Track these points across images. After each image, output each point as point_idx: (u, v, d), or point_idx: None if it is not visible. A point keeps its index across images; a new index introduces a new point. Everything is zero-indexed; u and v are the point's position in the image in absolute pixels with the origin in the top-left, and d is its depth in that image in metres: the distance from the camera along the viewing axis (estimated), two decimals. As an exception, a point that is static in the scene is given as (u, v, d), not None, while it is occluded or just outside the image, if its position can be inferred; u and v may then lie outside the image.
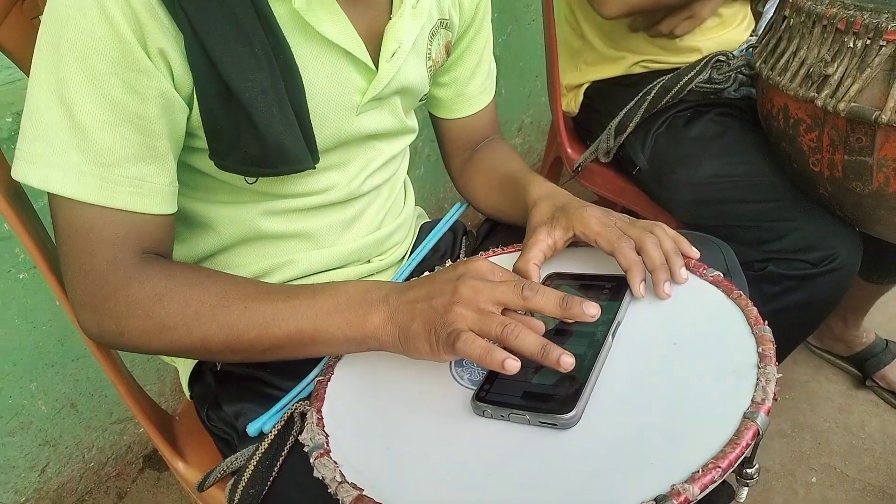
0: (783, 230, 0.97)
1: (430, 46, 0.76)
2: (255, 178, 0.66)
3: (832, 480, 1.32)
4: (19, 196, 0.66)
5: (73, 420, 1.18)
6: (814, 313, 1.01)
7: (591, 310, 0.54)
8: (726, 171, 1.03)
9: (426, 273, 0.67)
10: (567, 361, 0.51)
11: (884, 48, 0.78)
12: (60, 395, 1.15)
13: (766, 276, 0.99)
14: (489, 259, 0.63)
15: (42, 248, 0.66)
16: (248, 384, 0.71)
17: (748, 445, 0.45)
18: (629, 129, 1.12)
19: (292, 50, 0.62)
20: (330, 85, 0.66)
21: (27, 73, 0.61)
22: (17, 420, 1.10)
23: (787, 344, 1.06)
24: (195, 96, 0.60)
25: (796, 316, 1.00)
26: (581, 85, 1.25)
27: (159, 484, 1.30)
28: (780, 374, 0.51)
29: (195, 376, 0.75)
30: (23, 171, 0.58)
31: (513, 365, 0.50)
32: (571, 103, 1.29)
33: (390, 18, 0.69)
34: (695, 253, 0.66)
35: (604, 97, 1.21)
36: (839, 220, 0.97)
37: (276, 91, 0.61)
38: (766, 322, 0.56)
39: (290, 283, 0.74)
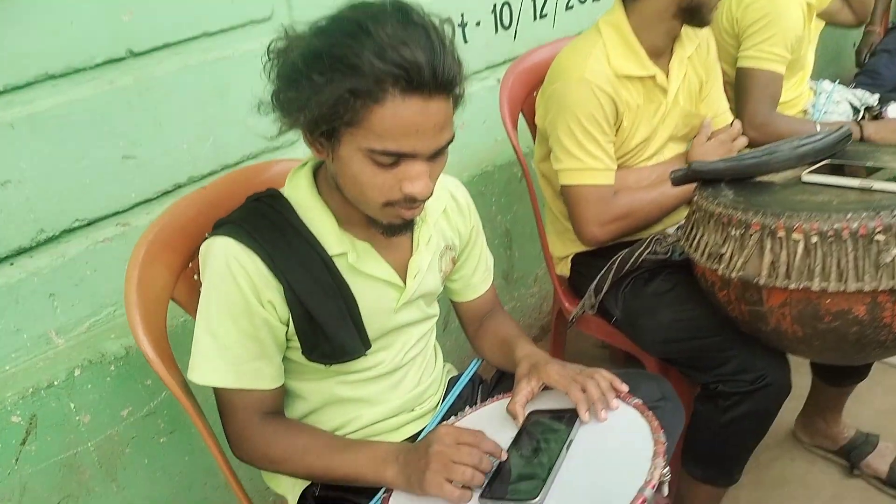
0: (724, 359, 1.29)
1: (440, 263, 1.14)
2: (330, 364, 1.03)
3: (829, 560, 1.53)
4: (185, 382, 1.03)
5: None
6: (759, 420, 1.31)
7: (503, 456, 0.91)
8: (678, 317, 1.37)
9: (452, 418, 1.06)
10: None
11: (753, 235, 1.13)
12: (189, 532, 1.47)
13: (717, 394, 1.30)
14: (488, 406, 1.02)
15: (200, 417, 1.03)
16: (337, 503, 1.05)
17: None
18: (604, 290, 1.47)
19: (349, 283, 1.01)
20: (375, 300, 1.04)
21: (192, 315, 1.02)
22: (158, 555, 1.43)
23: (746, 446, 1.36)
24: (291, 320, 0.99)
25: (746, 423, 1.30)
26: (567, 256, 1.63)
27: None
28: (667, 468, 0.83)
29: (300, 502, 1.09)
30: (191, 375, 0.98)
31: (465, 498, 0.86)
32: (564, 269, 1.65)
33: (412, 254, 1.08)
34: (623, 388, 0.99)
35: (585, 264, 1.58)
36: (765, 348, 1.28)
37: (340, 312, 1.00)
38: (668, 434, 0.89)
39: (360, 430, 1.09)
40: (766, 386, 1.26)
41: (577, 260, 1.61)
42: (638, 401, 0.97)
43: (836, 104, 1.96)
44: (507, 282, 2.16)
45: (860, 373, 1.61)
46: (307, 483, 1.07)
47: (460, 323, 1.32)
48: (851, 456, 1.72)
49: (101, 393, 1.29)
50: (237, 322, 0.96)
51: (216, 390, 1.00)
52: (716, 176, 1.25)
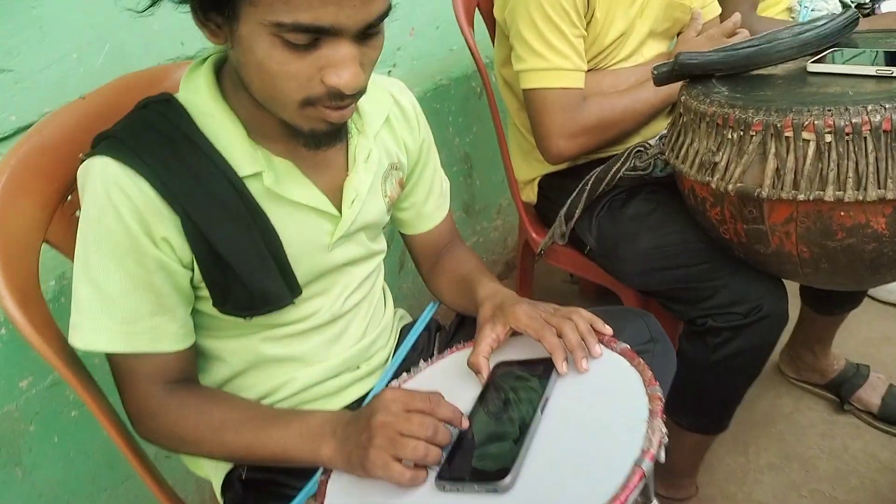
0: (714, 289, 1.12)
1: (385, 187, 0.94)
2: (249, 317, 0.84)
3: (822, 505, 1.41)
4: (70, 354, 0.82)
5: (125, 535, 1.32)
6: (753, 357, 1.15)
7: (465, 423, 0.73)
8: (661, 243, 1.19)
9: (403, 374, 0.88)
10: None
11: (754, 137, 0.94)
12: (114, 515, 1.30)
13: (707, 330, 1.14)
14: (446, 358, 0.84)
15: (91, 394, 0.82)
16: (268, 487, 0.87)
17: (635, 486, 0.60)
18: (576, 216, 1.29)
19: (268, 213, 0.80)
20: (302, 233, 0.84)
21: (71, 258, 0.80)
22: (79, 540, 1.25)
23: (739, 387, 1.20)
24: (195, 261, 0.78)
25: (739, 361, 1.14)
26: (534, 178, 1.43)
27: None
28: (666, 430, 0.65)
29: (226, 485, 0.91)
30: (72, 339, 0.77)
31: (419, 480, 0.68)
32: (530, 194, 1.47)
33: (348, 174, 0.88)
34: (607, 330, 0.81)
35: (554, 187, 1.39)
36: (761, 274, 1.11)
37: (257, 249, 0.79)
38: (659, 383, 0.71)
39: (293, 396, 0.91)
40: (763, 318, 1.10)
41: (545, 183, 1.42)
42: (625, 346, 0.79)
43: (824, 1, 1.77)
44: (468, 214, 1.97)
45: (854, 300, 1.47)
46: (232, 465, 0.89)
47: (413, 260, 1.13)
48: (841, 390, 1.60)
49: (-9, 362, 1.09)
50: (124, 267, 0.75)
51: (108, 356, 0.80)
52: (707, 70, 1.05)
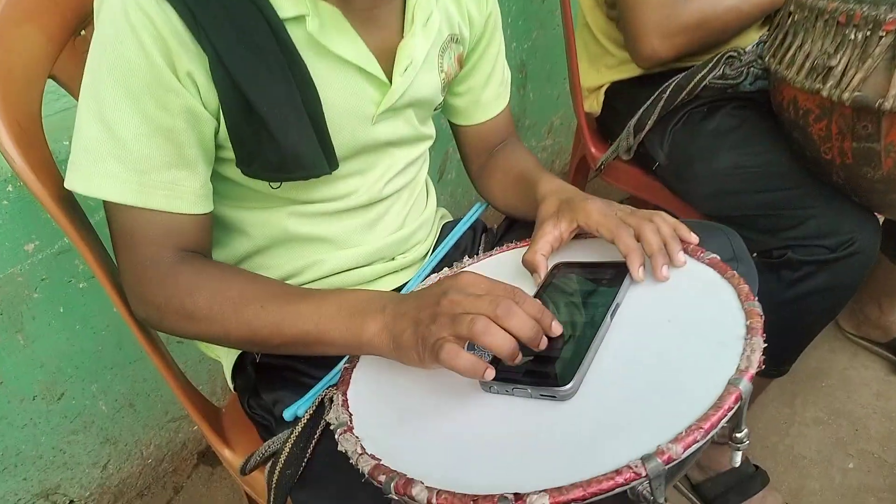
0: (801, 217, 0.99)
1: (441, 60, 0.81)
2: (279, 184, 0.72)
3: (870, 466, 1.31)
4: (75, 209, 0.73)
5: (131, 419, 1.26)
6: (834, 298, 1.02)
7: (556, 329, 0.57)
8: (743, 163, 1.06)
9: (444, 269, 0.74)
10: (557, 329, 0.56)
11: (883, 38, 0.80)
12: (119, 396, 1.23)
13: (785, 263, 1.01)
14: (495, 256, 0.69)
15: (98, 258, 0.73)
16: (283, 373, 0.77)
17: (730, 409, 0.49)
18: (647, 127, 1.15)
19: (308, 66, 0.68)
20: (345, 97, 0.72)
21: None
22: (80, 420, 1.18)
23: (811, 329, 1.08)
24: (221, 110, 0.66)
25: (817, 300, 1.01)
26: (601, 86, 1.29)
27: (213, 478, 1.37)
28: (766, 345, 0.54)
29: (237, 369, 0.82)
30: (70, 181, 0.65)
31: (490, 374, 0.53)
32: (594, 104, 1.32)
33: (402, 37, 0.75)
34: (693, 238, 0.69)
35: (623, 97, 1.25)
36: (856, 206, 0.98)
37: (293, 103, 0.67)
38: (757, 299, 0.60)
39: (320, 280, 0.80)
40: (853, 254, 0.97)
41: (614, 91, 1.27)
42: (714, 256, 0.67)
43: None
44: (517, 129, 1.83)
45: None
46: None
47: (462, 156, 1.00)
48: (904, 351, 1.48)
49: (-6, 221, 1.00)
50: (141, 105, 0.63)
51: (109, 211, 0.67)
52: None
